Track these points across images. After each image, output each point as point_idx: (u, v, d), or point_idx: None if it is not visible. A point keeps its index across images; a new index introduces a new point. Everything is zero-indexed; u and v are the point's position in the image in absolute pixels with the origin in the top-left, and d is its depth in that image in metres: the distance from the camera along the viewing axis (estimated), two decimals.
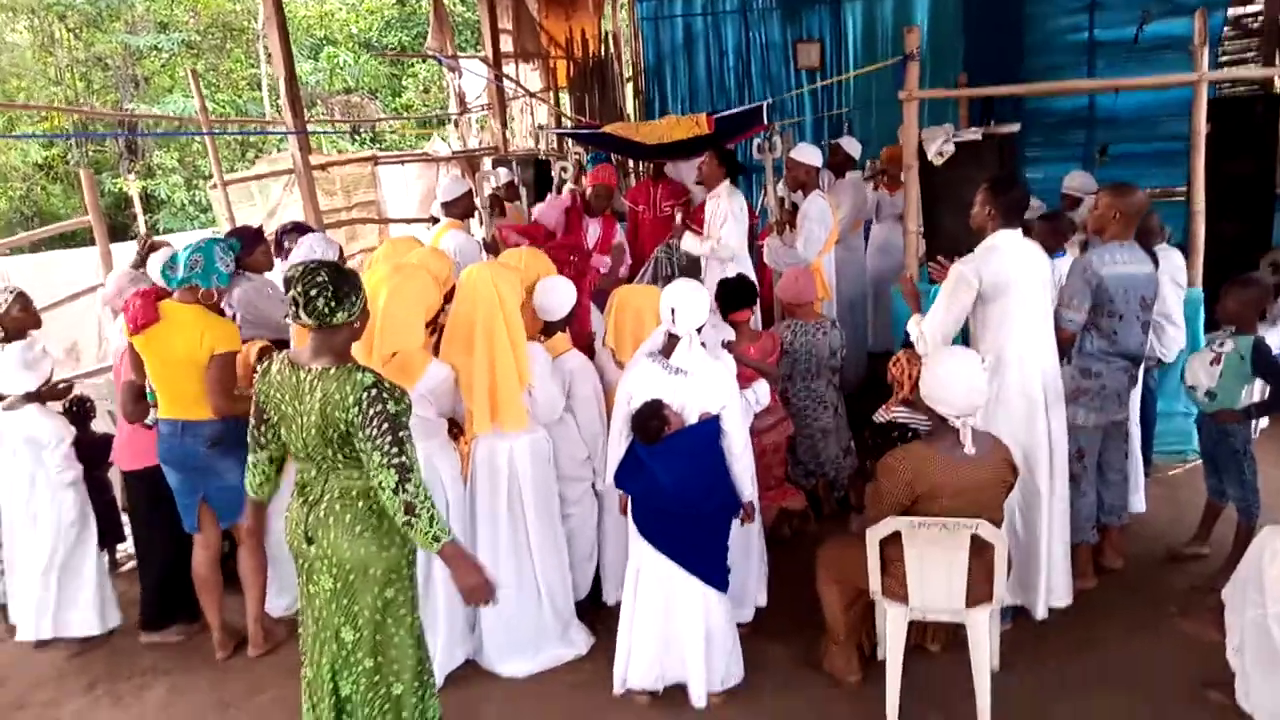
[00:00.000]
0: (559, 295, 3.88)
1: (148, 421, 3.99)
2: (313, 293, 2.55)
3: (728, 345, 4.13)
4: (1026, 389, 3.70)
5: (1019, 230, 3.76)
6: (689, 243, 5.85)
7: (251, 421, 2.81)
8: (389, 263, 3.87)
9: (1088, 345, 3.99)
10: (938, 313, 3.72)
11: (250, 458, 2.86)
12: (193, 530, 3.98)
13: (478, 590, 2.62)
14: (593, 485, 3.99)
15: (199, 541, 4.01)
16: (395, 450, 2.52)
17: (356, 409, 2.52)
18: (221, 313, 4.00)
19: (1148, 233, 4.75)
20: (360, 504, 2.66)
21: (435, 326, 3.71)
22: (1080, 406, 3.99)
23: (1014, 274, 3.67)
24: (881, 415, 4.07)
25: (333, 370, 2.59)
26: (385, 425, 2.52)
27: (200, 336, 3.71)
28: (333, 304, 2.57)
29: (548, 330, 3.90)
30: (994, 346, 3.67)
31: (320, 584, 2.70)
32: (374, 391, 2.54)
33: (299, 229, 5.19)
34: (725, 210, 5.67)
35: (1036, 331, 3.74)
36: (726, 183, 5.74)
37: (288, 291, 2.59)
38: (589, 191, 6.18)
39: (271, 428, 2.77)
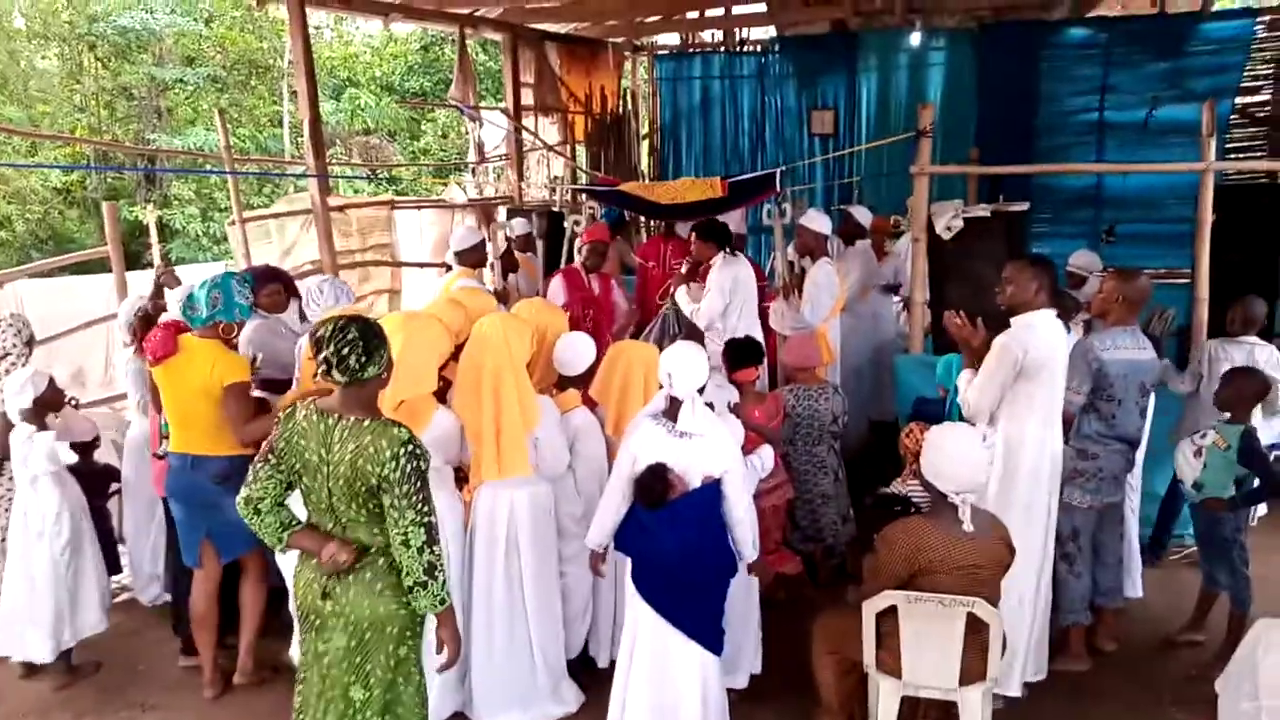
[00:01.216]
0: (577, 351, 3.96)
1: (159, 452, 4.04)
2: (344, 351, 2.58)
3: (734, 409, 4.18)
4: (1038, 471, 3.74)
5: (1054, 310, 3.81)
6: (681, 296, 5.93)
7: (257, 458, 2.75)
8: (453, 311, 4.02)
9: (1085, 427, 4.04)
10: (981, 387, 3.72)
11: (255, 508, 2.73)
12: (193, 564, 4.03)
13: (457, 648, 2.76)
14: None
15: (199, 576, 4.05)
16: (427, 509, 2.58)
17: (394, 464, 2.54)
18: (235, 349, 4.07)
19: (1251, 322, 4.82)
20: (379, 560, 2.68)
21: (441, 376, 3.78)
22: (1076, 487, 4.04)
23: (1050, 355, 3.71)
24: (897, 487, 4.09)
25: (367, 423, 2.62)
26: (419, 482, 2.57)
27: (211, 369, 3.79)
28: (363, 359, 2.61)
29: (561, 384, 3.97)
30: (1014, 424, 3.70)
31: (333, 641, 2.71)
32: (410, 447, 2.58)
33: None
34: (712, 281, 5.77)
35: (1055, 414, 3.78)
36: (721, 255, 5.80)
37: (318, 352, 2.61)
38: (582, 250, 6.18)
39: (277, 470, 2.71)
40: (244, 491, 2.73)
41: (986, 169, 7.50)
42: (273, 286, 4.79)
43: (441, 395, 3.76)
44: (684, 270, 6.06)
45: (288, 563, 3.56)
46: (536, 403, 3.68)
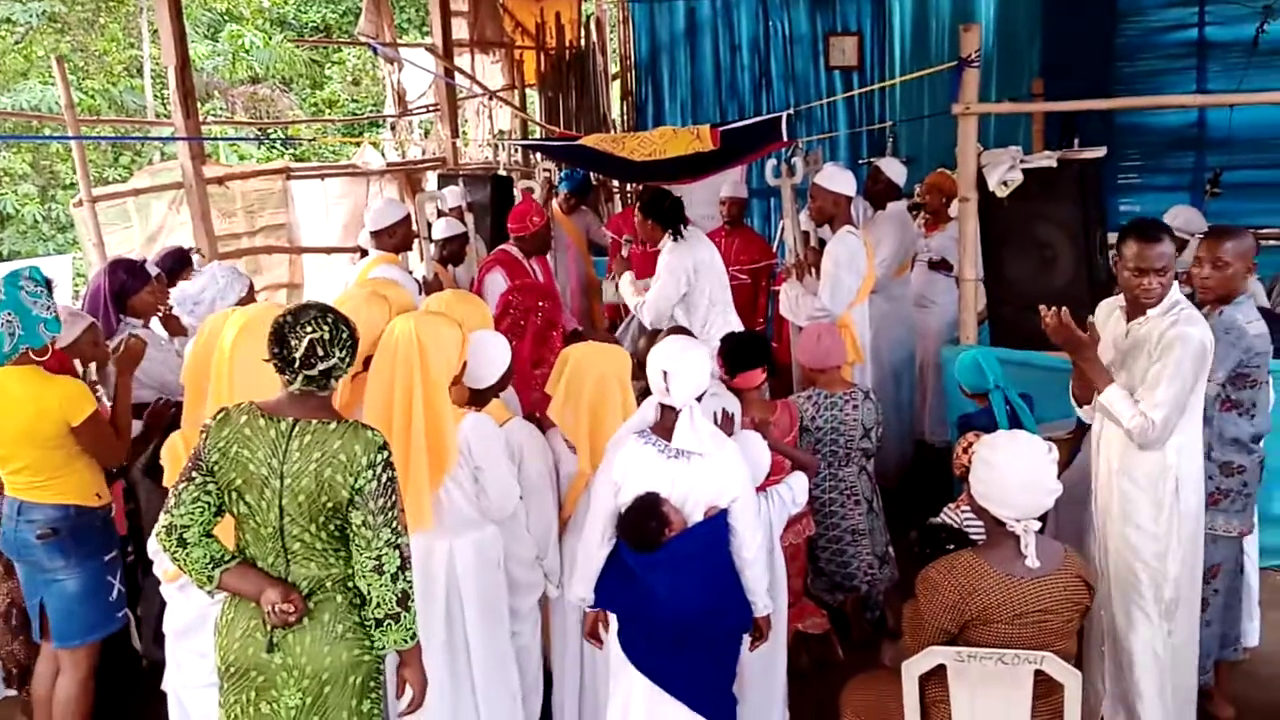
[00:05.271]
0: (487, 356, 3.83)
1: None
2: (343, 354, 2.77)
3: (757, 424, 4.22)
4: (1201, 484, 3.82)
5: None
6: (624, 285, 6.01)
7: (179, 477, 2.82)
8: (372, 306, 3.96)
9: (1229, 429, 4.06)
10: (1172, 395, 3.62)
11: (179, 538, 2.78)
12: (36, 639, 4.10)
13: (424, 690, 2.95)
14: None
15: (43, 654, 4.11)
16: (402, 528, 2.77)
17: (370, 474, 2.72)
18: (68, 363, 4.10)
19: None
20: (338, 598, 2.83)
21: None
22: (1221, 512, 4.07)
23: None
24: (948, 516, 4.14)
25: (333, 426, 2.77)
26: (395, 497, 2.76)
27: (34, 411, 3.79)
28: (352, 354, 2.84)
29: (477, 399, 3.85)
30: (1185, 432, 3.73)
31: (282, 701, 2.80)
32: (386, 454, 2.76)
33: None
34: (662, 266, 5.78)
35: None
36: (667, 238, 5.81)
37: (310, 356, 2.71)
38: (516, 240, 6.16)
39: (205, 491, 2.78)
40: (164, 519, 2.80)
41: (1053, 105, 7.58)
42: (149, 286, 4.84)
43: None
44: (623, 253, 6.17)
45: (172, 624, 3.62)
46: (451, 438, 3.59)
